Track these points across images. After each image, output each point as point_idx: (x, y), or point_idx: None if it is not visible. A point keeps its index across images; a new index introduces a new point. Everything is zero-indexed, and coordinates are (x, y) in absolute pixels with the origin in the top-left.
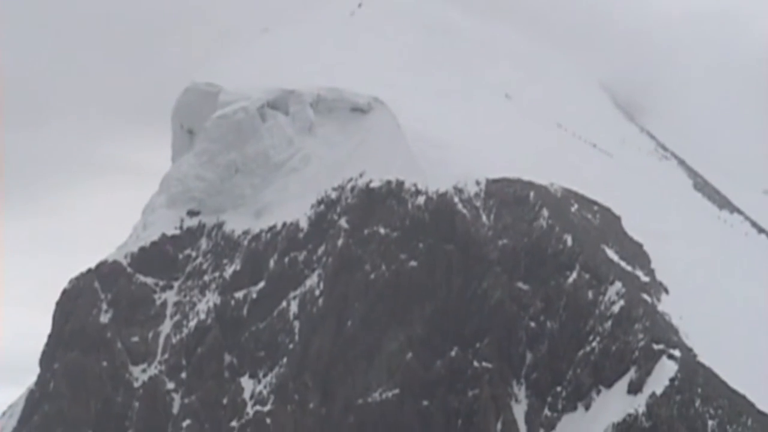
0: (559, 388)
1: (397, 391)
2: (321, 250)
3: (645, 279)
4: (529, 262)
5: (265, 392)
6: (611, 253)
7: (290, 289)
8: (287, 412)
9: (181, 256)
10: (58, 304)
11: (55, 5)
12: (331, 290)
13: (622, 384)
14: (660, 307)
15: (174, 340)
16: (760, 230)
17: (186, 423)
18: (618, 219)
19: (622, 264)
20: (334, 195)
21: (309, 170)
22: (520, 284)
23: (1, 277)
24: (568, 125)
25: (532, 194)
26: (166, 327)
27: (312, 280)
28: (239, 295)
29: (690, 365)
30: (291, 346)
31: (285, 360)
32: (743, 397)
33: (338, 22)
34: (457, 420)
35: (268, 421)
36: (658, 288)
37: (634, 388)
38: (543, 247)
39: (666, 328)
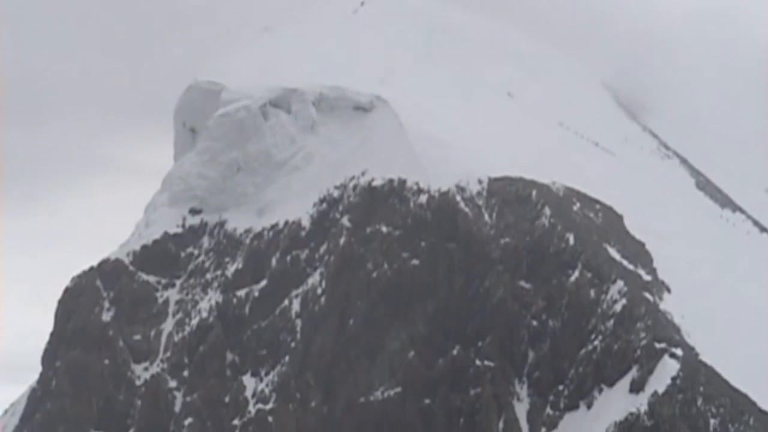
0: (561, 387)
1: (399, 389)
2: (323, 248)
3: (647, 278)
4: (531, 260)
5: (267, 391)
6: (613, 252)
7: (292, 287)
8: (289, 411)
9: (183, 255)
10: (60, 302)
11: (55, 4)
12: (333, 289)
13: (624, 383)
14: (662, 306)
15: (176, 339)
16: (762, 229)
17: (188, 421)
18: (620, 218)
19: (624, 263)
20: (336, 193)
21: (311, 169)
22: (522, 283)
23: (3, 275)
24: (570, 124)
25: (534, 193)
26: (168, 325)
27: (314, 279)
28: (241, 293)
29: (692, 364)
30: (293, 344)
31: (287, 358)
32: (745, 396)
33: (340, 20)
34: (459, 419)
35: (270, 419)
36: (660, 287)
37: (636, 387)
38: (545, 246)
39: (668, 326)
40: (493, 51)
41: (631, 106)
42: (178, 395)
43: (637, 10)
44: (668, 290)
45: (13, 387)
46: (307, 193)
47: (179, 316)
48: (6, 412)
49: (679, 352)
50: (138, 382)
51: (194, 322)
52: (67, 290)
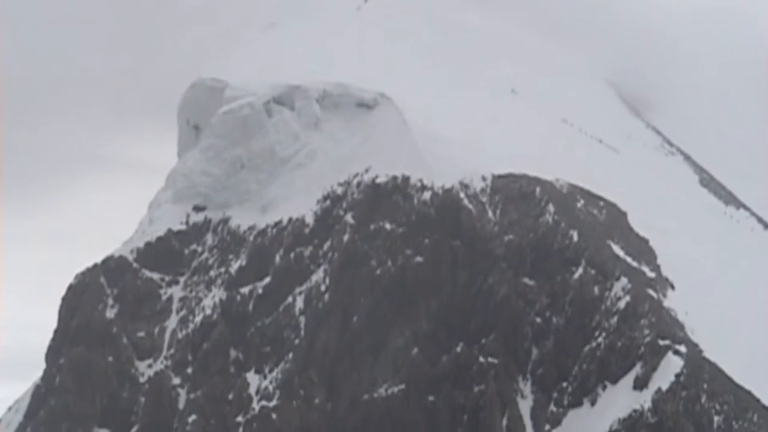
0: (564, 384)
1: (402, 386)
2: (327, 245)
3: (651, 275)
4: (535, 257)
5: (270, 388)
6: (617, 249)
7: (296, 284)
8: (293, 408)
9: (186, 252)
10: (63, 299)
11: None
12: (336, 286)
13: (628, 380)
14: (666, 303)
15: (180, 336)
16: (766, 226)
17: (192, 418)
18: (624, 215)
19: (628, 260)
20: (339, 190)
21: (315, 165)
22: (525, 280)
23: (7, 273)
24: (574, 121)
25: (538, 190)
26: (171, 322)
27: (318, 276)
28: (245, 290)
29: (696, 361)
30: (297, 341)
31: (291, 355)
32: (749, 393)
33: (344, 17)
34: (463, 415)
35: (274, 416)
36: (663, 284)
37: (640, 384)
38: (549, 243)
39: (672, 323)
40: (497, 48)
41: (634, 103)
42: (182, 392)
43: (641, 7)
44: (672, 287)
45: (17, 384)
46: (311, 190)
47: (183, 313)
48: (10, 409)
49: (682, 348)
50: (142, 379)
51: (198, 319)
52: (70, 287)
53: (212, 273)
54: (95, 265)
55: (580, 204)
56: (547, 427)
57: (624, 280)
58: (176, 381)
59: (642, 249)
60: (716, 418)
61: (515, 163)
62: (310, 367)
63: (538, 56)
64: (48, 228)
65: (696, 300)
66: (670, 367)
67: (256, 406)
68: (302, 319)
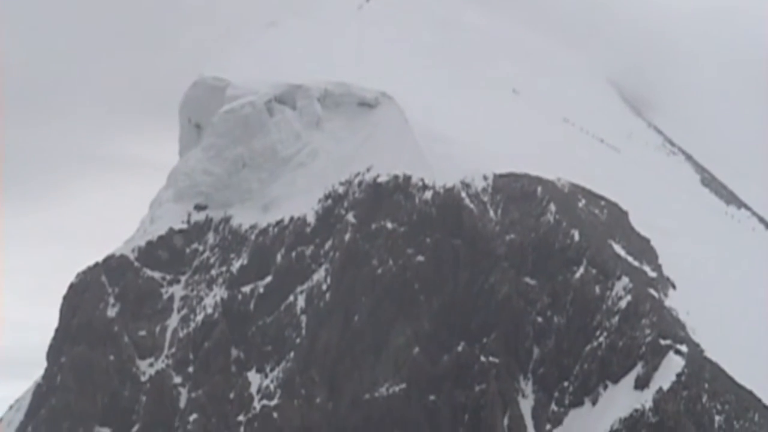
0: (566, 383)
1: (403, 385)
2: (328, 244)
3: (652, 274)
4: (536, 257)
5: (272, 387)
6: (618, 249)
7: (297, 283)
8: (294, 407)
9: (188, 251)
10: (65, 298)
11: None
12: (338, 285)
13: (629, 379)
14: (667, 303)
15: (181, 335)
16: None
17: (193, 417)
18: (625, 214)
19: (630, 259)
20: (341, 189)
21: (316, 165)
22: (527, 279)
23: (7, 271)
24: (576, 120)
25: (539, 189)
26: (173, 321)
27: (319, 275)
28: (246, 289)
29: (697, 361)
30: (298, 340)
31: (292, 354)
32: (750, 393)
33: (346, 16)
34: (464, 415)
35: (275, 415)
36: (665, 283)
37: (641, 384)
38: (550, 242)
39: (673, 323)
40: (499, 47)
41: (636, 103)
42: (183, 391)
43: (642, 6)
44: (673, 287)
45: (18, 383)
46: (312, 189)
47: (184, 312)
48: (11, 407)
49: (684, 348)
50: (143, 378)
51: (199, 318)
52: (71, 286)
53: (213, 272)
54: (96, 264)
55: (581, 203)
56: (549, 426)
57: (625, 280)
58: (177, 380)
59: (643, 248)
60: (717, 418)
61: (516, 163)
62: (312, 366)
63: (539, 56)
64: (49, 227)
65: (697, 300)
66: (672, 366)
67: (257, 405)
68: (303, 318)
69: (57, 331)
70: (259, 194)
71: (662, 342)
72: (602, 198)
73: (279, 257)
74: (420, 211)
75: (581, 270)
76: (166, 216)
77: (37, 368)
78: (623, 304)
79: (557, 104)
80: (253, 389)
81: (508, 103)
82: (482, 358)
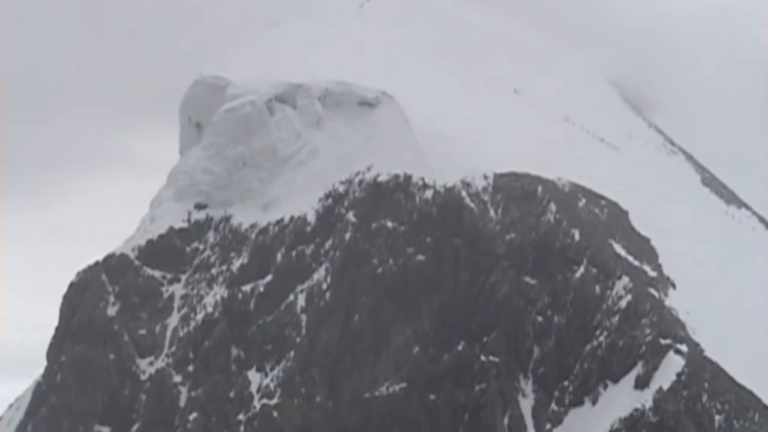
0: (566, 383)
1: (404, 385)
2: (328, 243)
3: (652, 274)
4: (537, 256)
5: (272, 386)
6: (618, 248)
7: (297, 282)
8: (294, 406)
9: (188, 249)
10: (65, 296)
11: None
12: (338, 284)
13: (629, 379)
14: (667, 302)
15: (181, 333)
16: None
17: (193, 416)
18: (625, 214)
19: (630, 259)
20: (341, 189)
21: (316, 164)
22: (527, 278)
23: (8, 270)
24: (576, 120)
25: (539, 189)
26: (173, 320)
27: (319, 274)
28: (246, 288)
29: (697, 360)
30: (298, 339)
31: (292, 353)
32: (750, 392)
33: (347, 15)
34: (464, 414)
35: (275, 414)
36: (665, 283)
37: (641, 383)
38: (550, 242)
39: (673, 323)
40: (500, 47)
41: (636, 102)
42: (183, 390)
43: (643, 6)
44: (673, 286)
45: (18, 381)
46: (313, 188)
47: (184, 311)
48: (11, 406)
49: (684, 348)
50: (143, 377)
51: (199, 317)
52: (72, 285)
53: (214, 271)
54: (97, 263)
55: (581, 203)
56: (549, 426)
57: (625, 279)
58: (177, 379)
59: (643, 248)
60: (717, 418)
61: (517, 162)
62: (312, 365)
63: (539, 56)
64: (49, 225)
65: (697, 299)
66: (672, 366)
67: (257, 404)
68: (304, 317)
69: (57, 329)
70: (260, 193)
71: (662, 341)
72: (602, 197)
73: (279, 256)
74: (420, 210)
75: (581, 269)
76: (167, 215)
77: (37, 367)
78: (623, 303)
79: (558, 104)
80: (253, 388)
81: (508, 103)
82: (482, 358)
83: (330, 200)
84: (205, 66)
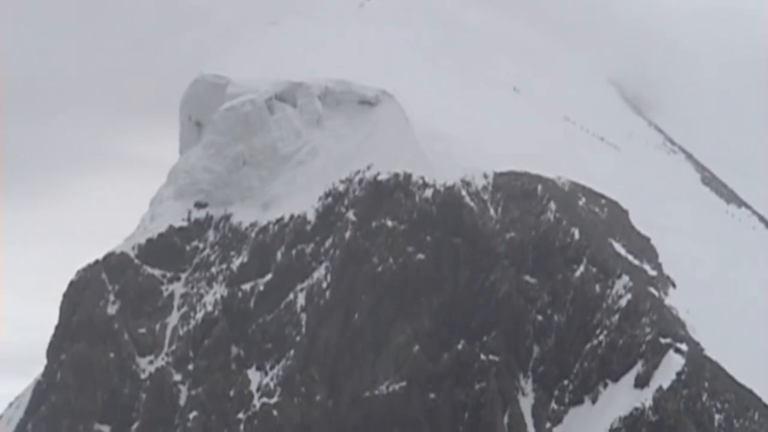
0: (566, 382)
1: (404, 383)
2: (328, 242)
3: (652, 273)
4: (537, 255)
5: (272, 384)
6: (618, 247)
7: (297, 281)
8: (294, 405)
9: (188, 248)
10: (65, 295)
11: None
12: (338, 283)
13: (629, 378)
14: (667, 301)
15: (181, 332)
16: None
17: (193, 415)
18: (625, 213)
19: (630, 258)
20: (341, 187)
21: (317, 163)
22: (527, 277)
23: (7, 268)
24: (576, 119)
25: (539, 188)
26: (173, 319)
27: (319, 273)
28: (246, 287)
29: (697, 359)
30: (298, 338)
31: (292, 352)
32: (750, 392)
33: (347, 14)
34: (464, 413)
35: (275, 413)
36: (665, 282)
37: (641, 382)
38: (550, 241)
39: (673, 322)
40: (499, 46)
41: (636, 101)
42: (183, 389)
43: (642, 6)
44: (673, 285)
45: (18, 380)
46: (313, 187)
47: (184, 309)
48: (11, 405)
49: (684, 347)
50: (143, 376)
51: (199, 315)
52: (72, 283)
53: (214, 269)
54: (96, 262)
55: (581, 202)
56: (548, 425)
57: (625, 278)
58: (177, 377)
59: (643, 247)
60: (717, 417)
61: (517, 161)
62: (312, 364)
63: (539, 55)
64: (49, 224)
65: (697, 298)
66: (672, 365)
67: (257, 402)
68: (303, 316)
69: (57, 328)
70: (260, 192)
71: (662, 340)
72: (602, 196)
73: (279, 255)
74: (420, 209)
75: (581, 268)
76: (167, 213)
77: (37, 365)
78: (623, 302)
79: (558, 103)
80: (253, 387)
81: (508, 102)
82: (482, 357)
83: (330, 199)
84: (205, 65)
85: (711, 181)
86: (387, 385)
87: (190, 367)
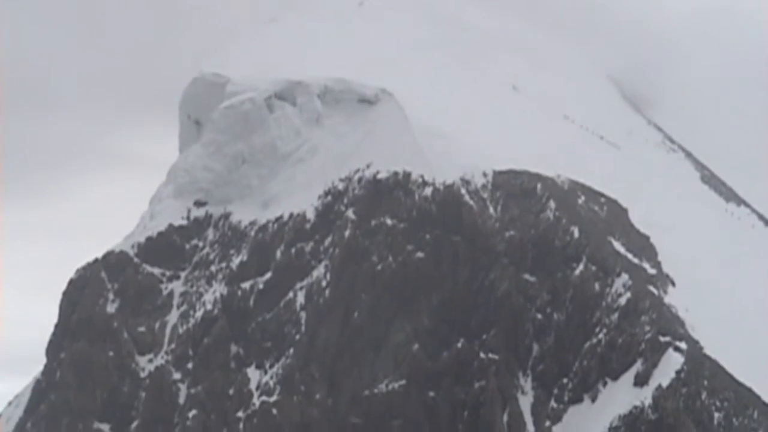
0: (565, 380)
1: (403, 382)
2: (328, 241)
3: (651, 271)
4: (536, 253)
5: (271, 383)
6: (618, 246)
7: (297, 279)
8: (293, 403)
9: (188, 247)
10: (64, 293)
11: None
12: (337, 281)
13: (629, 376)
14: (666, 300)
15: (180, 331)
16: (767, 223)
17: (192, 413)
18: (625, 211)
19: (629, 256)
20: (341, 186)
21: (316, 161)
22: (526, 276)
23: (7, 267)
24: (576, 117)
25: (539, 186)
26: (172, 317)
27: (319, 271)
28: (246, 285)
29: (696, 358)
30: (297, 337)
31: (291, 351)
32: (749, 390)
33: (346, 12)
34: (464, 412)
35: (275, 411)
36: (664, 280)
37: (641, 381)
38: (550, 239)
39: (672, 320)
40: (499, 44)
41: (636, 100)
42: (183, 387)
43: (642, 4)
44: (673, 284)
45: (17, 379)
46: (312, 186)
47: (184, 308)
48: (10, 404)
49: (683, 345)
50: (142, 374)
51: (199, 314)
52: (71, 282)
53: (213, 268)
54: (96, 260)
55: (581, 200)
56: (548, 423)
57: (625, 277)
58: (177, 376)
59: (643, 245)
60: (716, 415)
61: (516, 159)
62: (311, 362)
63: (539, 53)
64: (49, 223)
65: (697, 297)
66: (671, 363)
67: (256, 401)
68: (303, 314)
69: (56, 327)
70: (259, 190)
71: (661, 339)
72: (602, 195)
73: (279, 253)
74: (420, 207)
75: (581, 267)
76: (166, 212)
77: (36, 364)
78: (623, 301)
79: (557, 101)
80: (253, 385)
81: (508, 100)
82: (482, 355)
83: (329, 197)
84: (204, 63)
85: (710, 179)
86: (386, 383)
87: (190, 365)
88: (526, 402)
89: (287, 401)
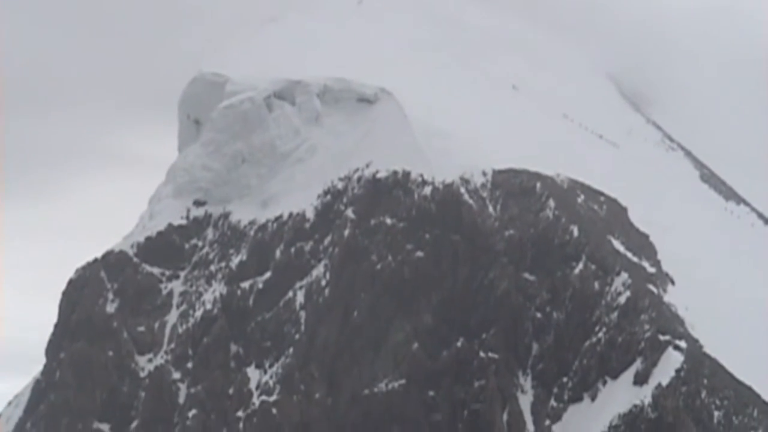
0: (565, 379)
1: (403, 381)
2: (327, 240)
3: (651, 270)
4: (536, 252)
5: (271, 382)
6: (617, 244)
7: (296, 279)
8: (293, 403)
9: (187, 246)
10: (64, 293)
11: None
12: (337, 280)
13: (628, 375)
14: (666, 298)
15: (180, 330)
16: (767, 221)
17: (192, 413)
18: (624, 210)
19: (629, 255)
20: (340, 185)
21: (315, 160)
22: (526, 275)
23: (6, 266)
24: (575, 116)
25: (538, 185)
26: (172, 317)
27: (318, 271)
28: (245, 285)
29: (696, 356)
30: (297, 336)
31: (291, 350)
32: (749, 389)
33: (345, 12)
34: (463, 411)
35: (274, 411)
36: (664, 279)
37: (640, 379)
38: (549, 238)
39: (672, 319)
40: (498, 43)
41: (635, 99)
42: (182, 387)
43: (642, 4)
44: (672, 282)
45: (17, 378)
46: (312, 185)
47: (183, 307)
48: (10, 403)
49: (683, 344)
50: (142, 374)
51: (198, 313)
52: (71, 282)
53: (213, 268)
54: (95, 260)
55: (580, 199)
56: (548, 422)
57: (624, 276)
58: (176, 375)
59: (642, 244)
60: (716, 414)
61: (516, 158)
62: (311, 362)
63: (538, 52)
64: (48, 222)
65: (696, 295)
66: (671, 362)
67: (256, 400)
68: (303, 314)
69: (56, 326)
70: (258, 190)
71: (661, 338)
72: (601, 194)
73: (278, 253)
74: (419, 206)
75: (580, 266)
76: (165, 212)
77: (36, 364)
78: (622, 299)
79: (557, 100)
80: (252, 385)
81: (507, 99)
82: (481, 354)
83: (329, 197)
84: (203, 63)
85: (710, 178)
86: (386, 382)
87: (189, 365)
88: (525, 401)
89: (287, 401)
